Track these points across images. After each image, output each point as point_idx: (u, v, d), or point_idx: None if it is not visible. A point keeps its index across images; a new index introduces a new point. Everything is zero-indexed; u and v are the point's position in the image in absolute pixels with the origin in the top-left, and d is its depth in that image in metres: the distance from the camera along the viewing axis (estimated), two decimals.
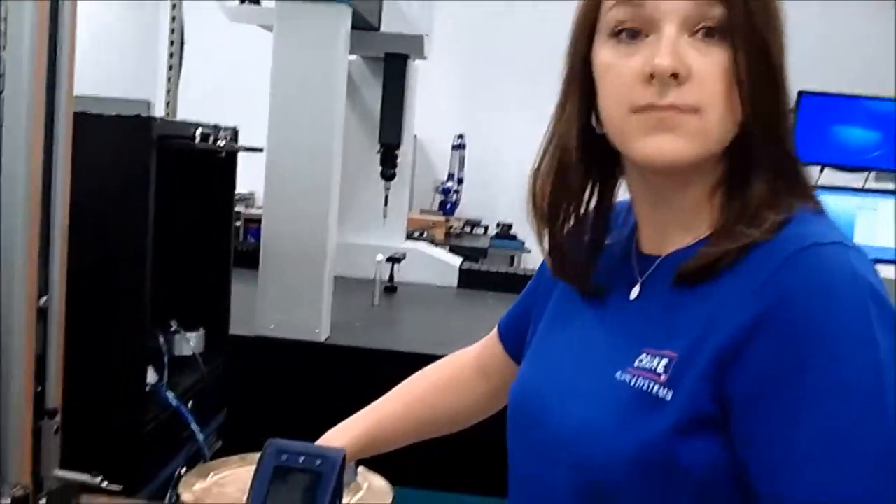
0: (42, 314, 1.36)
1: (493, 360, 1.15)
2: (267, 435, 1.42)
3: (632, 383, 0.84)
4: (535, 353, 1.02)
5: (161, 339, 1.78)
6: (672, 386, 0.81)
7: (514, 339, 1.11)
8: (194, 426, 1.72)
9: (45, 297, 1.36)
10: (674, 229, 0.90)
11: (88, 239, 1.48)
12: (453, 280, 3.55)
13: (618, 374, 0.85)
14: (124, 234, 1.61)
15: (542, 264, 1.08)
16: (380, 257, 3.12)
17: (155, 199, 1.62)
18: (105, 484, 1.38)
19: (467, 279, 3.54)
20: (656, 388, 0.82)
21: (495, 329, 1.17)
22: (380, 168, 3.20)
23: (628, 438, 0.82)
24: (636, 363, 0.85)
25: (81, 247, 1.44)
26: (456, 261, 3.65)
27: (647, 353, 0.84)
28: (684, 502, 0.81)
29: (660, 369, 0.83)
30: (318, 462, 0.96)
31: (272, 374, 2.40)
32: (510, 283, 3.38)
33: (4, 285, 1.29)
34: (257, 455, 1.43)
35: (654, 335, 0.86)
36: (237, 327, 2.21)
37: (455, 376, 1.19)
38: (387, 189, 3.22)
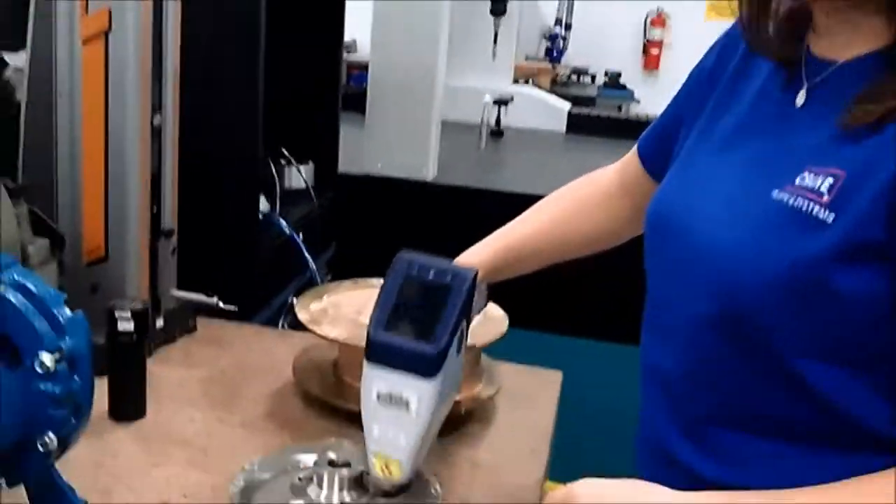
0: (156, 133, 1.35)
1: (633, 178, 1.08)
2: (374, 269, 1.40)
3: (789, 203, 0.76)
4: (681, 165, 0.94)
5: (273, 169, 1.77)
6: (835, 208, 0.73)
7: (656, 156, 1.03)
8: (306, 254, 1.72)
9: (158, 116, 1.34)
10: (850, 35, 0.80)
11: (201, 60, 1.45)
12: (561, 125, 3.44)
13: (775, 193, 0.78)
14: (236, 58, 1.57)
15: (693, 73, 0.99)
16: (487, 98, 3.03)
17: (266, 25, 1.57)
18: (221, 304, 1.39)
19: (576, 124, 3.43)
20: (816, 209, 0.74)
21: (634, 147, 1.10)
22: (488, 6, 3.08)
23: (778, 261, 0.75)
24: (797, 181, 0.77)
25: (194, 68, 1.42)
26: (565, 105, 3.53)
27: (810, 171, 0.76)
28: (830, 333, 0.75)
29: (823, 188, 0.75)
30: (448, 278, 0.92)
31: (379, 211, 2.39)
32: (621, 128, 3.27)
33: (118, 102, 1.27)
34: (370, 280, 1.42)
35: (819, 150, 0.78)
36: (344, 166, 2.19)
37: (597, 194, 1.12)
38: (496, 26, 3.10)
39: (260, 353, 1.44)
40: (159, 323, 1.39)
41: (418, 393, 0.88)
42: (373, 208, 2.38)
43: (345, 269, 2.13)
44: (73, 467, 1.06)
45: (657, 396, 0.90)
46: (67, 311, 0.90)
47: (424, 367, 0.88)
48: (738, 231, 0.79)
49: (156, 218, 1.37)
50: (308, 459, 1.03)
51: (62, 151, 1.29)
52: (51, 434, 0.86)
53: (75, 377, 0.88)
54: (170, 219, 1.39)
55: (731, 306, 0.79)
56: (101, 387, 1.19)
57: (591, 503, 0.78)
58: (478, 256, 1.05)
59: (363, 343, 1.18)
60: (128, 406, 1.19)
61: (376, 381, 0.90)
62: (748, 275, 0.77)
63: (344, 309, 1.30)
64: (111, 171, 1.29)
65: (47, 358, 0.84)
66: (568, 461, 1.48)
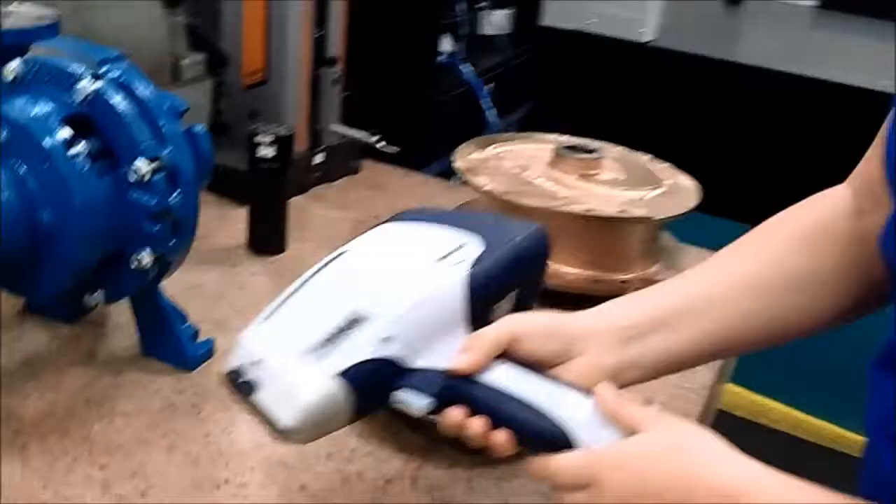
0: None
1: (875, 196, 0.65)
2: (570, 134, 1.23)
3: None
4: None
5: (459, 9, 1.60)
6: None
7: None
8: (487, 104, 1.57)
9: None
10: None
11: None
12: None
13: None
14: None
15: None
16: None
17: None
18: (381, 144, 1.27)
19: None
20: None
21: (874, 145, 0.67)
22: None
23: None
24: None
25: None
26: None
27: None
28: None
29: None
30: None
31: (584, 71, 2.18)
32: (888, 7, 2.82)
33: None
34: (546, 135, 1.26)
35: None
36: (549, 19, 2.00)
37: (819, 231, 0.68)
38: None
39: (419, 203, 1.32)
40: (318, 158, 1.30)
41: None
42: (577, 67, 2.17)
43: (538, 131, 1.97)
44: (196, 294, 1.00)
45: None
46: (177, 123, 0.81)
47: None
48: None
49: (319, 44, 1.26)
50: None
51: None
52: (146, 250, 0.78)
53: (176, 192, 0.79)
54: (335, 46, 1.28)
55: None
56: (242, 216, 1.13)
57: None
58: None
59: (520, 200, 1.04)
60: (265, 238, 1.12)
61: None
62: None
63: (507, 162, 1.15)
64: None
65: (142, 165, 0.76)
66: (754, 367, 1.29)
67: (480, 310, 0.62)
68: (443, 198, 1.32)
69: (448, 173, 1.59)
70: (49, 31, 0.92)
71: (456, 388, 0.59)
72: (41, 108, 0.74)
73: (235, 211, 1.17)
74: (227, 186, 1.23)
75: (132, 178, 0.76)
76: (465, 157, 1.15)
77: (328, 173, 1.33)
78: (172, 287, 1.00)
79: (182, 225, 0.80)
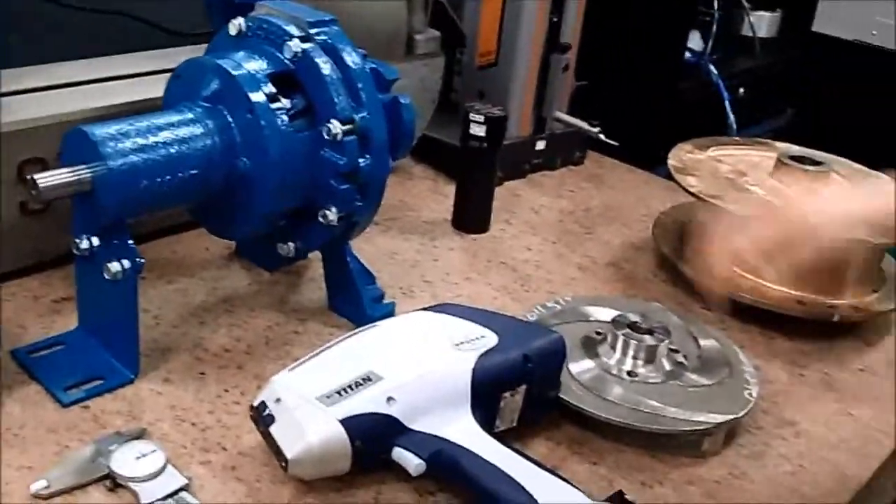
0: None
1: None
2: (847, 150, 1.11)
3: None
4: None
5: (712, 6, 1.53)
6: None
7: None
8: (730, 109, 1.49)
9: None
10: None
11: None
12: None
13: None
14: None
15: None
16: None
17: None
18: (602, 136, 1.25)
19: None
20: None
21: None
22: None
23: None
24: None
25: None
26: None
27: None
28: None
29: None
30: None
31: (856, 83, 2.00)
32: None
33: None
34: (779, 144, 1.17)
35: None
36: (823, 25, 1.85)
37: None
38: None
39: (636, 201, 1.29)
40: (540, 145, 1.30)
41: None
42: (849, 79, 2.00)
43: (801, 142, 1.83)
44: (392, 260, 1.04)
45: None
46: (376, 91, 0.84)
47: None
48: None
49: (554, 29, 1.25)
50: (607, 315, 0.89)
51: None
52: (332, 207, 0.82)
53: (366, 156, 0.82)
54: (570, 33, 1.27)
55: None
56: (451, 193, 1.15)
57: None
58: None
59: (727, 205, 0.98)
60: (469, 216, 1.14)
61: None
62: None
63: (724, 166, 1.09)
64: None
65: (335, 125, 0.80)
66: None
67: (484, 394, 0.70)
68: (660, 197, 1.28)
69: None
70: None
71: (447, 453, 0.66)
72: (253, 63, 0.80)
73: (449, 187, 1.20)
74: (445, 162, 1.27)
75: (326, 136, 0.80)
76: (680, 156, 1.10)
77: (549, 161, 1.33)
78: (370, 250, 1.04)
79: (369, 188, 0.84)
